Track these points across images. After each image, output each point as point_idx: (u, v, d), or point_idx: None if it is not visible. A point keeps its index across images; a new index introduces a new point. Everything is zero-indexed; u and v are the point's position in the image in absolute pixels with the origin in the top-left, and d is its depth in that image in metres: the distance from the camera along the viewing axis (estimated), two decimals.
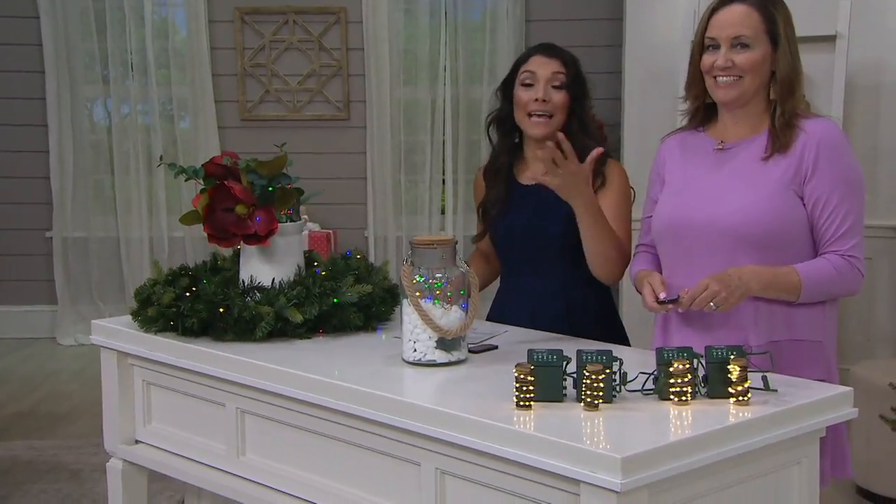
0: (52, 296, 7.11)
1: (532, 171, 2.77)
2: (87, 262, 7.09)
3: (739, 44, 2.43)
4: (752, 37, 2.43)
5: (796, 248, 2.43)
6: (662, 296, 2.42)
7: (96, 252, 7.09)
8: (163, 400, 2.67)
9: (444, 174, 7.05)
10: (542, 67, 2.85)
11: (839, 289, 2.46)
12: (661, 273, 2.57)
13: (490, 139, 3.01)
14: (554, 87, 2.84)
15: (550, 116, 2.84)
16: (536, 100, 2.83)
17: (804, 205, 2.42)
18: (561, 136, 2.47)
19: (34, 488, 4.27)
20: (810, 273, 2.40)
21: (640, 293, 2.51)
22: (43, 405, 5.58)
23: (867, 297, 5.37)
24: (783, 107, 2.45)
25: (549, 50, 2.90)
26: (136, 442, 2.74)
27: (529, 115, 2.85)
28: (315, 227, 6.59)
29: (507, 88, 2.93)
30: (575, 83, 2.87)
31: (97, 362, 2.79)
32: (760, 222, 2.39)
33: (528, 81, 2.86)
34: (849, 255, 2.42)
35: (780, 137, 2.44)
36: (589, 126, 2.89)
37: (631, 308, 5.63)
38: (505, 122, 2.95)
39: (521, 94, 2.86)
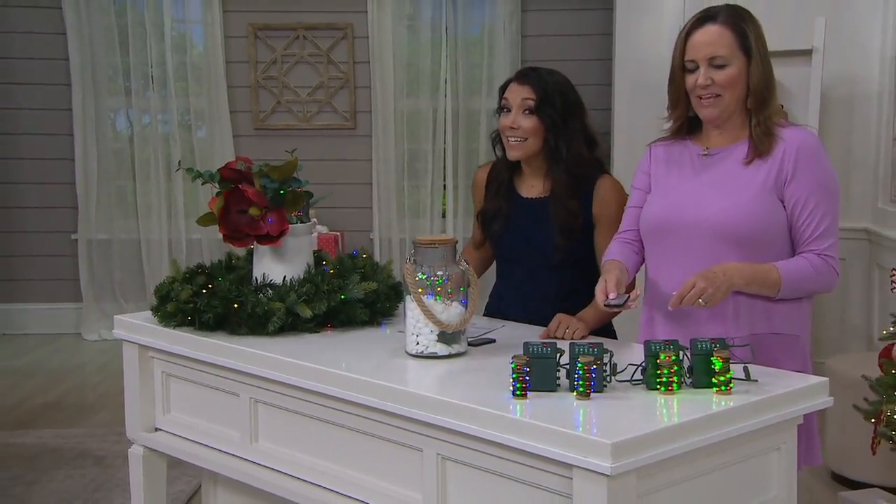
0: (78, 294, 7.10)
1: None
2: (110, 262, 7.08)
3: (716, 64, 2.42)
4: (727, 55, 2.41)
5: (776, 248, 2.43)
6: (612, 296, 2.35)
7: (119, 253, 7.08)
8: (181, 390, 2.66)
9: (444, 180, 7.03)
10: (514, 94, 2.83)
11: (816, 286, 2.46)
12: (626, 264, 2.53)
13: (495, 152, 3.00)
14: (524, 112, 2.81)
15: (524, 140, 2.82)
16: (508, 126, 2.82)
17: (784, 207, 2.41)
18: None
19: (61, 474, 4.27)
20: (789, 270, 2.39)
21: None
22: (69, 396, 5.58)
23: (841, 295, 5.36)
24: (758, 116, 2.44)
25: (522, 76, 2.86)
26: (156, 430, 2.73)
27: (508, 138, 2.85)
28: (324, 229, 6.57)
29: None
30: (546, 108, 2.79)
31: (119, 356, 2.79)
32: (743, 223, 2.39)
33: (505, 108, 2.85)
34: (825, 255, 2.42)
35: (759, 145, 2.44)
36: (560, 152, 2.80)
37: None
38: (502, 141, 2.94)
39: (501, 120, 2.86)
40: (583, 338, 2.53)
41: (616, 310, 2.43)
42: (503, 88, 2.89)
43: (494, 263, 3.10)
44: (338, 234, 6.61)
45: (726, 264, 2.36)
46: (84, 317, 7.05)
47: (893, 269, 3.47)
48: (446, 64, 6.90)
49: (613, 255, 2.58)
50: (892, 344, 3.31)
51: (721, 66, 2.41)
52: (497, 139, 2.94)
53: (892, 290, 3.48)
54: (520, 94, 2.82)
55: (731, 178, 2.44)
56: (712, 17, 2.44)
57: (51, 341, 6.91)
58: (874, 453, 3.39)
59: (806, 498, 2.14)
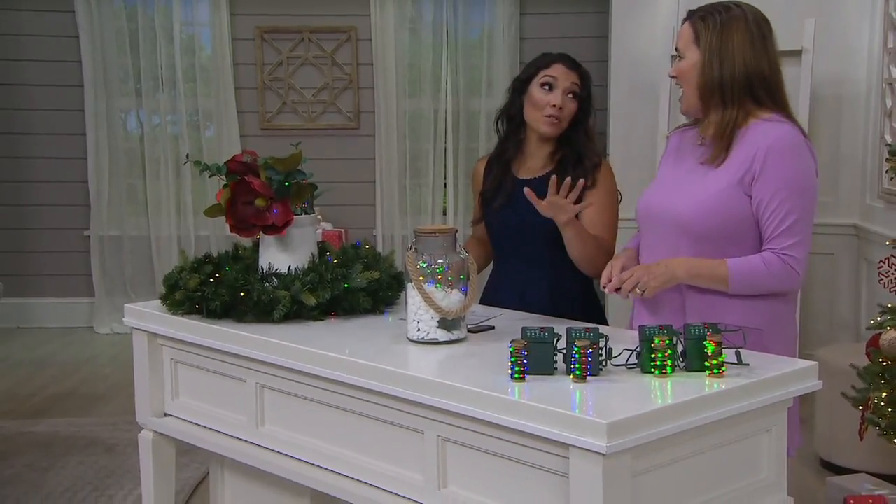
0: (90, 289, 7.10)
1: (531, 165, 2.80)
2: (121, 258, 7.08)
3: (678, 56, 2.45)
4: (682, 48, 2.43)
5: (741, 244, 2.37)
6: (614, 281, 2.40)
7: (129, 249, 7.08)
8: (189, 376, 2.65)
9: (445, 178, 7.03)
10: (564, 76, 2.83)
11: (770, 284, 2.36)
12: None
13: (498, 129, 3.00)
14: (569, 96, 2.83)
15: (559, 120, 2.84)
16: (554, 105, 2.81)
17: (752, 204, 2.36)
18: (554, 178, 2.55)
19: (73, 460, 4.27)
20: (739, 267, 2.33)
21: None
22: (81, 387, 5.58)
23: (830, 289, 5.36)
24: (718, 114, 2.40)
25: (571, 62, 2.88)
26: (165, 415, 2.72)
27: (544, 115, 2.84)
28: (328, 226, 6.57)
29: (522, 85, 2.91)
30: (586, 96, 2.87)
31: (130, 349, 2.77)
32: (704, 216, 2.35)
33: (548, 84, 2.83)
34: (784, 254, 2.33)
35: (715, 146, 2.39)
36: (591, 134, 2.90)
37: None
38: (514, 118, 2.93)
39: (540, 96, 2.84)
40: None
41: (615, 293, 2.42)
42: (543, 66, 2.87)
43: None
44: (342, 230, 6.60)
45: (673, 259, 2.36)
46: (96, 311, 7.05)
47: (881, 261, 3.47)
48: (447, 66, 6.90)
49: (630, 244, 2.62)
50: (880, 333, 3.31)
51: (680, 58, 2.44)
52: (504, 115, 2.95)
53: (879, 281, 3.47)
54: (569, 78, 2.83)
55: (704, 172, 2.41)
56: (689, 16, 2.46)
57: (64, 334, 6.91)
58: (861, 439, 3.39)
59: (795, 484, 2.13)
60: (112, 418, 4.87)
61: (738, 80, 2.37)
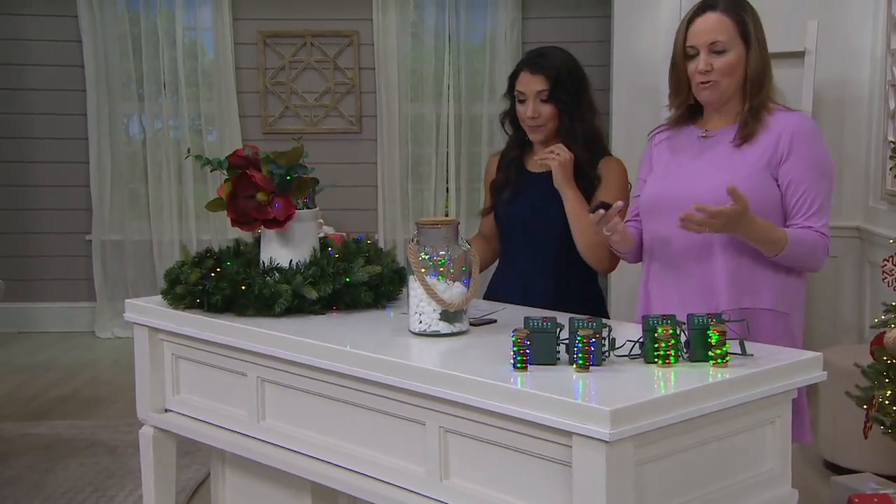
0: (92, 293, 7.09)
1: (539, 157, 2.84)
2: (122, 262, 7.07)
3: (716, 50, 2.42)
4: (727, 41, 2.41)
5: None
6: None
7: (131, 253, 7.07)
8: (190, 372, 2.64)
9: (447, 183, 7.03)
10: (527, 85, 2.84)
11: (809, 258, 2.42)
12: (632, 234, 2.59)
13: (505, 129, 3.02)
14: (542, 101, 2.83)
15: (545, 124, 2.85)
16: (530, 116, 2.84)
17: (778, 186, 2.40)
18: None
19: (75, 462, 4.25)
20: (794, 234, 2.38)
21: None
22: (83, 390, 5.56)
23: (833, 290, 5.34)
24: (752, 102, 2.45)
25: (533, 66, 2.84)
26: (166, 410, 2.71)
27: (530, 126, 2.87)
28: (330, 229, 6.54)
29: (511, 96, 2.93)
30: (559, 93, 2.82)
31: (131, 353, 2.76)
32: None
33: (520, 99, 2.87)
34: (821, 233, 2.41)
35: (744, 128, 2.44)
36: (577, 132, 2.83)
37: (620, 293, 5.61)
38: (514, 121, 2.96)
39: (518, 109, 2.88)
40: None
41: (600, 212, 2.42)
42: (514, 76, 2.89)
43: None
44: (344, 234, 6.58)
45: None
46: (97, 315, 7.04)
47: (884, 260, 3.45)
48: (449, 70, 6.91)
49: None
50: (884, 332, 3.30)
51: (720, 53, 2.41)
52: (505, 119, 2.98)
53: (882, 279, 3.46)
54: (534, 86, 2.82)
55: (726, 158, 2.44)
56: (713, 6, 2.45)
57: (65, 339, 6.90)
58: (866, 437, 3.37)
59: (799, 484, 2.13)
60: (113, 420, 4.85)
61: (767, 71, 2.46)
